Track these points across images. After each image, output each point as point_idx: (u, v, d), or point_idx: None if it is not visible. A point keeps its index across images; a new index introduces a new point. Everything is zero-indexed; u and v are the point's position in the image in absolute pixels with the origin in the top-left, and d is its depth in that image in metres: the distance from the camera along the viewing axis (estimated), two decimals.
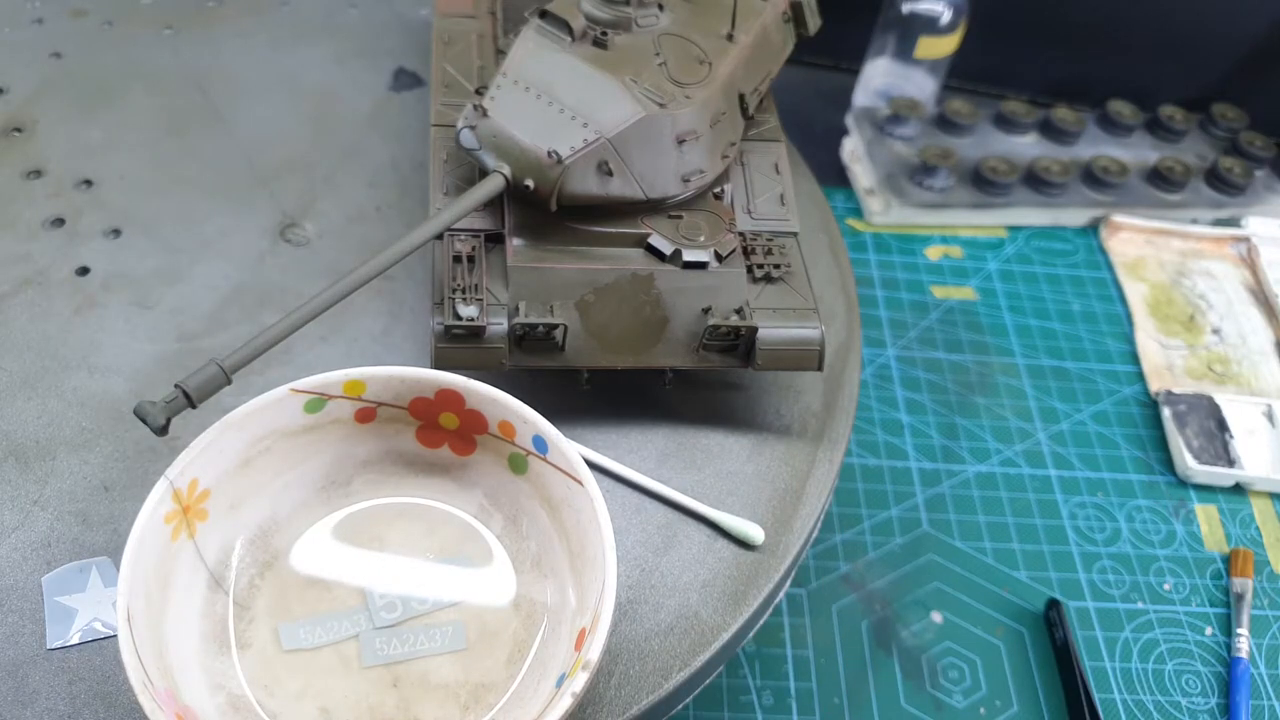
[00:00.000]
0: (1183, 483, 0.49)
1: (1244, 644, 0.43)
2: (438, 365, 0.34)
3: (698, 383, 0.39)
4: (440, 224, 0.34)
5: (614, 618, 0.28)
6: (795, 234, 0.39)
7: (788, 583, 0.37)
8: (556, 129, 0.34)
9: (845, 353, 0.42)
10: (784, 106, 0.44)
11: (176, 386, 0.28)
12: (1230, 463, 0.49)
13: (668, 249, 0.36)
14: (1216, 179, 0.62)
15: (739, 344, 0.36)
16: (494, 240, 0.36)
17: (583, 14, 0.36)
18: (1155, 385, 0.52)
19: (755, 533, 0.35)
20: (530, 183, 0.35)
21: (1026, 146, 0.64)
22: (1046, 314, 0.56)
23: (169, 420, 0.28)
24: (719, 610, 0.33)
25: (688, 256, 0.36)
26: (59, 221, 0.42)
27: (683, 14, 0.39)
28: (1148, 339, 0.55)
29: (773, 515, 0.36)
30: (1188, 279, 0.58)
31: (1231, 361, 0.54)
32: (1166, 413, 0.50)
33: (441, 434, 0.33)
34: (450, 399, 0.32)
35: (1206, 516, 0.48)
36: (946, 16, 0.61)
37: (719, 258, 0.36)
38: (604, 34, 0.36)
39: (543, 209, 0.36)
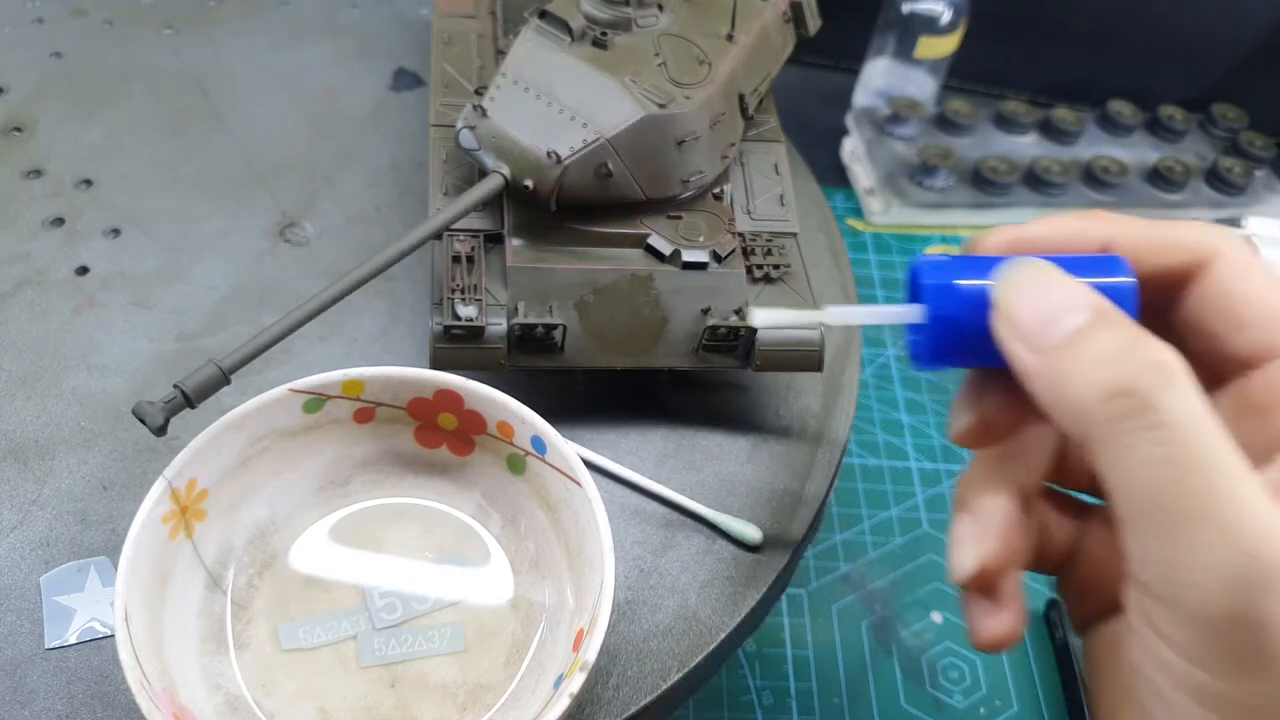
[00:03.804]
0: None
1: None
2: (436, 365, 0.34)
3: (697, 383, 0.39)
4: (439, 224, 0.34)
5: (612, 618, 0.28)
6: (795, 234, 0.39)
7: (787, 583, 0.37)
8: (556, 129, 0.34)
9: (845, 353, 0.42)
10: (784, 107, 0.44)
11: (175, 386, 0.28)
12: None
13: (667, 249, 0.36)
14: (1216, 179, 0.62)
15: (738, 345, 0.36)
16: (493, 240, 0.36)
17: (582, 14, 0.36)
18: None
19: (754, 533, 0.35)
20: (529, 183, 0.34)
21: (1026, 146, 0.64)
22: None
23: (167, 420, 0.28)
24: (718, 610, 0.33)
25: (687, 257, 0.36)
26: (59, 221, 0.42)
27: (682, 14, 0.39)
28: None
29: (772, 516, 0.36)
30: None
31: None
32: None
33: (440, 434, 0.33)
34: (449, 399, 0.32)
35: None
36: (946, 16, 0.61)
37: (718, 258, 0.36)
38: (604, 34, 0.36)
39: (542, 209, 0.36)
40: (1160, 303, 0.26)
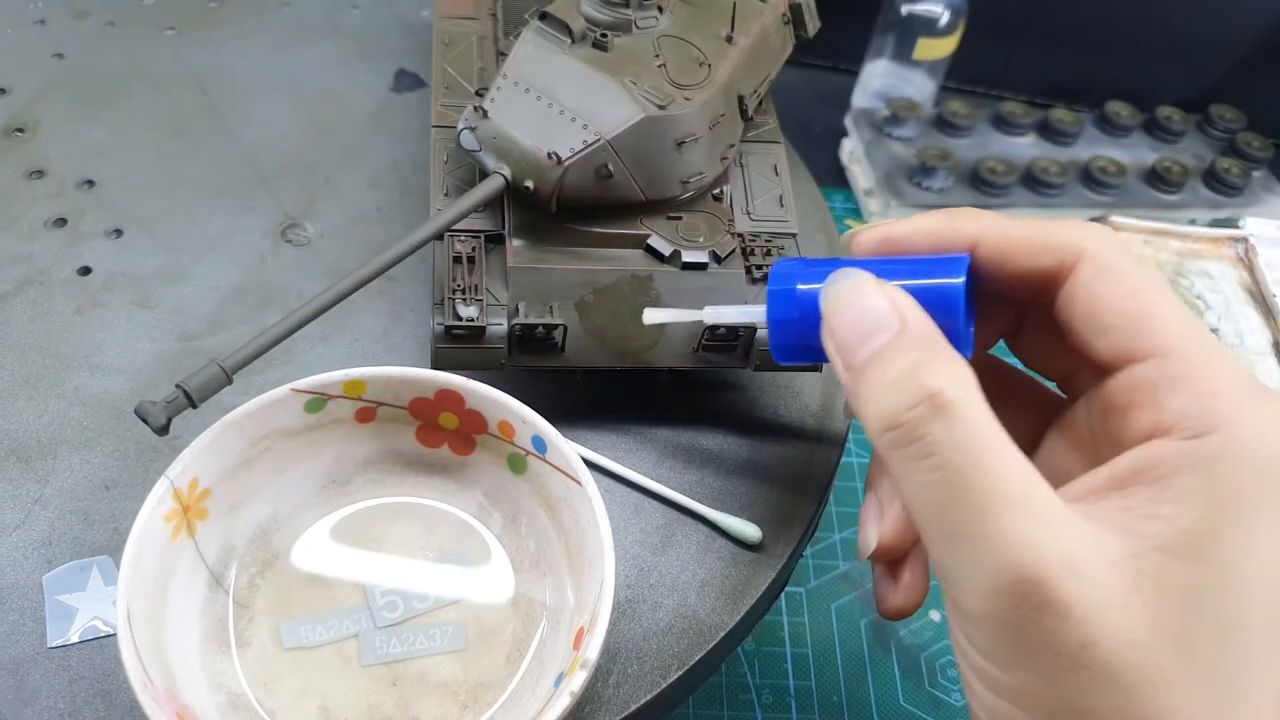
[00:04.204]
0: None
1: None
2: (437, 365, 0.34)
3: (696, 383, 0.40)
4: (440, 225, 0.34)
5: (612, 617, 0.28)
6: (794, 235, 0.39)
7: (786, 581, 0.37)
8: (556, 130, 0.35)
9: None
10: (783, 108, 0.44)
11: (177, 386, 0.28)
12: None
13: (667, 250, 0.36)
14: (1214, 179, 0.62)
15: (738, 345, 0.36)
16: (494, 241, 0.37)
17: (582, 16, 0.37)
18: None
19: (753, 532, 0.35)
20: (530, 184, 0.35)
21: (1025, 147, 0.64)
22: None
23: (170, 420, 0.28)
24: (717, 609, 0.33)
25: (687, 258, 0.36)
26: (61, 221, 0.42)
27: (682, 16, 0.39)
28: None
29: (771, 514, 0.36)
30: (1185, 279, 0.59)
31: None
32: None
33: (441, 434, 0.34)
34: (450, 399, 0.32)
35: None
36: (945, 18, 0.61)
37: (718, 259, 0.37)
38: (604, 36, 0.36)
39: (543, 210, 0.36)
40: (1043, 299, 0.26)
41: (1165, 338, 0.23)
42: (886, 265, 0.27)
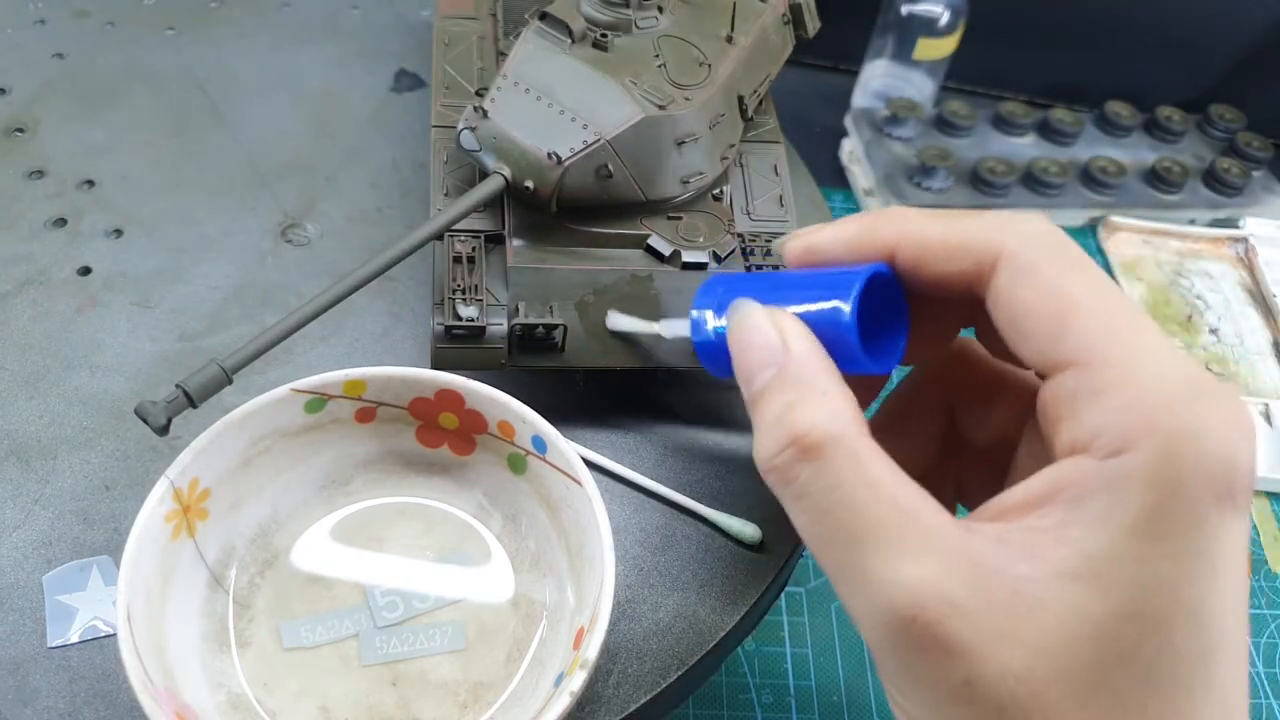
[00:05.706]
0: None
1: None
2: (437, 365, 0.34)
3: (697, 383, 0.40)
4: (440, 224, 0.34)
5: (612, 617, 0.28)
6: None
7: (786, 581, 0.37)
8: (556, 130, 0.35)
9: None
10: (783, 108, 0.44)
11: (177, 386, 0.28)
12: None
13: (667, 250, 0.36)
14: (1214, 179, 0.62)
15: None
16: (494, 241, 0.37)
17: (582, 16, 0.37)
18: None
19: (753, 532, 0.35)
20: (530, 184, 0.35)
21: (1025, 147, 0.64)
22: None
23: (170, 420, 0.28)
24: (717, 609, 0.33)
25: (687, 258, 0.36)
26: (61, 221, 0.42)
27: (682, 16, 0.39)
28: None
29: (771, 514, 0.36)
30: (1185, 279, 0.59)
31: (1229, 361, 0.54)
32: None
33: (441, 434, 0.34)
34: (450, 399, 0.32)
35: None
36: (945, 18, 0.61)
37: (718, 259, 0.37)
38: (604, 36, 0.36)
39: (543, 210, 0.36)
40: (978, 299, 0.25)
41: (1085, 343, 0.22)
42: (795, 281, 0.26)
